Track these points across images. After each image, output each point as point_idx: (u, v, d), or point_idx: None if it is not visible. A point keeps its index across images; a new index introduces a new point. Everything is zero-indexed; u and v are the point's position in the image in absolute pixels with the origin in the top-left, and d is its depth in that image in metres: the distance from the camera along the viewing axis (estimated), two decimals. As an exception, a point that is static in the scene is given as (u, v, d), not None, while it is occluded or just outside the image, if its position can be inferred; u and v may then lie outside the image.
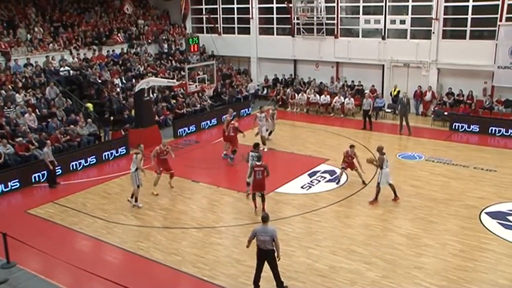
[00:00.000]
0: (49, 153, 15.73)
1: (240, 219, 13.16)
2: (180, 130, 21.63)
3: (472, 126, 20.94)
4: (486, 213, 13.09)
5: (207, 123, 22.96)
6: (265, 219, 9.54)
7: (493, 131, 20.50)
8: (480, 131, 20.68)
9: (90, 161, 17.84)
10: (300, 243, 11.75)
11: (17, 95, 19.78)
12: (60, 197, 14.97)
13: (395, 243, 11.59)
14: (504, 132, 20.26)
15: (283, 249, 11.38)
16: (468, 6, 22.13)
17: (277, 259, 9.53)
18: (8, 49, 21.89)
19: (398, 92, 23.69)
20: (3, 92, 19.61)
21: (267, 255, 9.49)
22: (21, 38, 23.11)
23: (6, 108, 18.77)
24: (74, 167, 17.33)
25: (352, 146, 15.51)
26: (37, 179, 16.15)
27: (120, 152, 18.90)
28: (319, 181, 15.72)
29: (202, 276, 10.43)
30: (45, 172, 16.12)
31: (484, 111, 21.98)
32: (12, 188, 15.50)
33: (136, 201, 14.11)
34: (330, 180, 15.73)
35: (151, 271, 10.78)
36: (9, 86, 20.08)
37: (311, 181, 15.70)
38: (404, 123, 20.98)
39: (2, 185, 15.26)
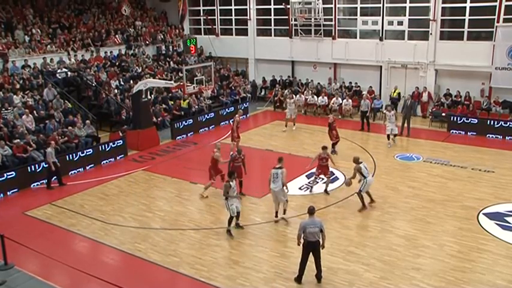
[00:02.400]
0: (52, 154, 15.72)
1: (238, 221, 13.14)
2: (178, 131, 21.59)
3: (470, 124, 20.96)
4: (484, 214, 13.12)
5: (205, 119, 22.88)
6: (312, 211, 9.83)
7: (491, 123, 20.61)
8: (478, 132, 20.71)
9: (88, 160, 17.79)
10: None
11: (15, 96, 19.74)
12: (58, 199, 14.95)
13: (393, 245, 11.61)
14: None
15: (281, 251, 11.43)
16: (466, 7, 22.19)
17: (322, 248, 9.91)
18: (6, 50, 21.86)
19: (399, 93, 23.72)
20: (0, 93, 19.59)
21: (314, 246, 9.80)
22: (19, 39, 23.09)
23: (3, 109, 18.74)
24: (71, 166, 17.26)
25: (324, 148, 14.95)
26: (35, 177, 16.09)
27: (117, 144, 18.81)
28: (317, 182, 15.70)
29: (200, 278, 10.43)
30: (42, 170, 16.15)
31: (482, 112, 22.01)
32: (10, 187, 15.44)
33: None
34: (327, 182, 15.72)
35: (149, 272, 10.77)
36: (7, 88, 20.05)
37: (309, 182, 15.70)
38: (405, 125, 21.01)
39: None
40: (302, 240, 9.87)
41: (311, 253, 9.90)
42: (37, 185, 16.07)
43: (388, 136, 19.30)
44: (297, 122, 22.56)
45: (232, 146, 18.07)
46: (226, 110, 24.24)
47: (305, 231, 9.70)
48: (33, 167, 16.08)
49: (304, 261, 9.94)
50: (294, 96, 23.41)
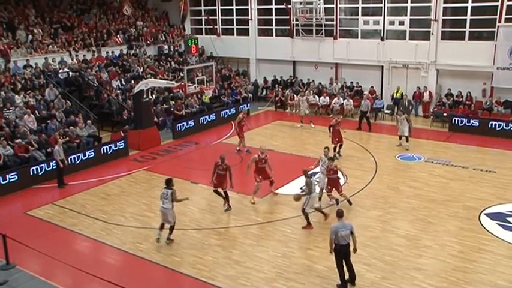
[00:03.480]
0: (60, 152, 15.76)
1: (239, 221, 13.16)
2: (179, 130, 21.61)
3: (472, 124, 20.92)
4: (485, 214, 13.10)
5: (206, 122, 22.93)
6: (341, 214, 9.75)
7: (493, 129, 20.53)
8: (480, 131, 20.67)
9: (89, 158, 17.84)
10: (299, 245, 11.76)
11: (17, 96, 19.77)
12: (59, 199, 14.98)
13: (395, 245, 11.60)
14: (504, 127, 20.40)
15: (282, 251, 11.43)
16: (467, 7, 22.16)
17: (354, 252, 9.82)
18: (8, 50, 21.88)
19: (402, 93, 23.71)
20: (2, 93, 19.59)
21: (346, 249, 9.70)
22: (21, 39, 23.11)
23: (5, 109, 18.76)
24: (74, 166, 17.26)
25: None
26: (36, 177, 16.15)
27: (119, 146, 18.87)
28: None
29: (201, 278, 10.43)
30: (43, 170, 16.28)
31: (484, 112, 22.00)
32: (12, 186, 15.46)
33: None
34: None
35: (150, 272, 10.78)
36: (9, 88, 20.07)
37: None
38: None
39: (1, 182, 15.24)
40: (333, 245, 9.69)
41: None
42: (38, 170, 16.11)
43: (400, 137, 19.02)
44: (298, 122, 22.61)
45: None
46: (228, 112, 24.28)
47: (337, 234, 9.57)
48: (35, 170, 16.16)
49: (340, 266, 9.77)
50: (305, 93, 24.10)
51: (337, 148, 17.98)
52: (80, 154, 17.57)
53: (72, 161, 17.16)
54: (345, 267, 9.81)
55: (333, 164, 13.52)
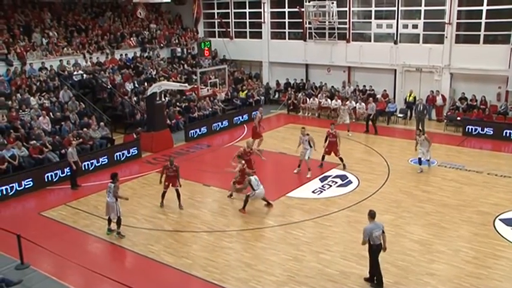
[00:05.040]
0: (73, 154, 15.92)
1: (251, 223, 13.16)
2: (192, 133, 21.69)
3: (485, 129, 20.71)
4: (500, 219, 12.93)
5: (218, 126, 22.99)
6: (373, 215, 9.92)
7: (508, 134, 20.28)
8: (494, 136, 20.45)
9: (102, 162, 18.00)
10: (310, 248, 11.71)
11: (32, 98, 20.03)
12: (72, 200, 15.11)
13: (407, 249, 11.50)
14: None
15: (294, 254, 11.39)
16: (482, 10, 21.95)
17: (384, 251, 10.02)
18: (24, 53, 22.18)
19: (415, 97, 23.54)
20: (18, 95, 19.88)
21: (380, 249, 9.89)
22: (37, 42, 23.42)
23: (21, 111, 19.01)
24: (87, 167, 17.46)
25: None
26: (50, 179, 16.34)
27: (132, 152, 19.00)
28: (331, 186, 15.66)
29: (213, 280, 10.44)
30: (57, 172, 16.45)
31: (498, 117, 21.74)
32: (26, 188, 15.66)
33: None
34: (341, 185, 15.67)
35: (161, 274, 10.82)
36: (25, 89, 20.35)
37: (322, 186, 15.65)
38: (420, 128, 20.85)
39: (16, 184, 15.43)
40: (367, 245, 9.88)
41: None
42: (53, 180, 16.28)
43: (420, 160, 16.83)
44: (310, 125, 22.53)
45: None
46: (240, 118, 24.33)
47: (371, 235, 9.73)
48: (49, 176, 16.30)
49: (377, 265, 9.95)
50: (347, 103, 23.11)
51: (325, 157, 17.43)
52: (93, 161, 17.69)
53: (86, 167, 17.34)
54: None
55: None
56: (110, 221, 12.64)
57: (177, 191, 14.22)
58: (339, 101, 24.89)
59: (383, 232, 9.88)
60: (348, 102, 24.22)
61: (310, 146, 16.44)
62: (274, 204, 14.23)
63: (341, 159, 17.12)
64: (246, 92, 27.07)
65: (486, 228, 12.46)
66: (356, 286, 10.06)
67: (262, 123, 20.12)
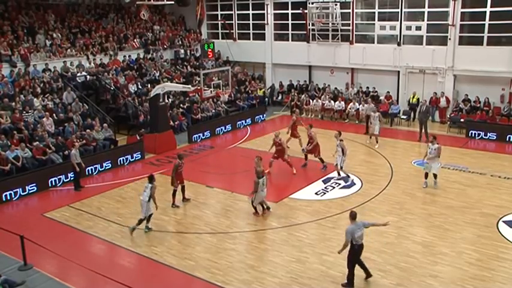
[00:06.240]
0: (76, 155, 15.94)
1: (254, 225, 13.16)
2: (195, 137, 21.69)
3: (489, 134, 20.66)
4: (504, 221, 12.88)
5: (221, 130, 22.99)
6: (355, 216, 9.90)
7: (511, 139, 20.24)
8: (497, 138, 20.40)
9: (106, 167, 18.02)
10: (313, 250, 11.70)
11: (35, 99, 20.09)
12: (75, 201, 15.13)
13: (410, 251, 11.48)
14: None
15: (297, 256, 11.38)
16: (486, 12, 21.91)
17: (387, 224, 10.62)
18: (28, 55, 22.26)
19: (418, 99, 23.50)
20: (22, 96, 19.95)
21: (362, 248, 9.92)
22: (40, 43, 23.49)
23: (24, 112, 19.06)
24: (90, 172, 17.48)
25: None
26: (54, 184, 16.37)
27: (136, 157, 19.01)
28: (334, 187, 15.65)
29: (216, 282, 10.44)
30: (61, 176, 16.47)
31: (502, 118, 21.68)
32: (30, 191, 15.71)
33: None
34: (344, 187, 15.65)
35: (164, 276, 10.82)
36: (28, 91, 20.41)
37: (325, 187, 15.64)
38: (423, 130, 20.80)
39: (20, 189, 15.48)
40: (349, 246, 9.86)
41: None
42: (57, 184, 16.33)
43: (427, 174, 15.54)
44: (314, 126, 22.48)
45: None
46: (244, 122, 24.26)
47: (353, 236, 9.73)
48: (53, 181, 16.30)
49: (354, 266, 9.96)
50: (379, 111, 21.51)
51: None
52: (97, 165, 17.68)
53: (90, 172, 17.37)
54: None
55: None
56: (148, 219, 12.82)
57: (183, 186, 14.66)
58: (342, 102, 24.92)
59: (367, 227, 10.01)
60: (352, 104, 24.28)
61: (343, 154, 16.02)
62: (277, 206, 14.22)
63: (321, 160, 17.20)
64: (263, 90, 27.77)
65: (490, 230, 12.42)
66: (359, 288, 10.05)
67: (263, 126, 20.17)
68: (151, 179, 12.82)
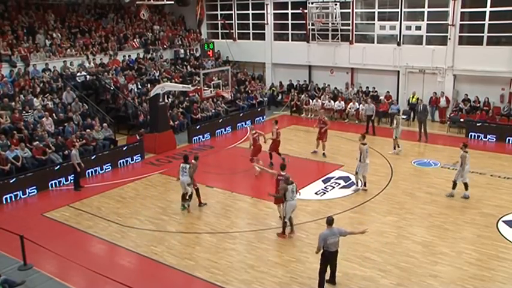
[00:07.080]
0: (77, 155, 15.94)
1: (254, 225, 13.16)
2: (195, 139, 21.66)
3: (488, 136, 20.67)
4: (504, 221, 12.89)
5: (221, 132, 22.98)
6: (331, 221, 9.77)
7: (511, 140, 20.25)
8: (497, 140, 20.40)
9: (105, 168, 18.00)
10: (313, 250, 11.63)
11: (35, 99, 20.07)
12: (75, 201, 15.13)
13: (410, 251, 11.48)
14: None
15: (297, 256, 11.38)
16: (485, 12, 21.91)
17: (364, 232, 10.45)
18: (28, 54, 22.25)
19: (418, 99, 23.51)
20: (22, 96, 19.93)
21: (334, 256, 9.82)
22: (40, 43, 23.48)
23: (24, 112, 19.05)
24: (90, 175, 17.47)
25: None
26: (54, 186, 16.36)
27: (136, 159, 18.99)
28: (333, 187, 15.66)
29: (216, 282, 10.44)
30: (61, 180, 16.51)
31: (502, 118, 21.69)
32: (30, 194, 15.69)
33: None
34: (344, 187, 15.65)
35: (164, 275, 10.82)
36: (28, 91, 20.40)
37: (325, 187, 15.65)
38: (422, 130, 20.80)
39: (20, 192, 15.47)
40: (322, 250, 9.73)
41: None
42: (56, 185, 16.33)
43: (454, 183, 14.58)
44: (314, 127, 22.55)
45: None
46: (244, 124, 24.18)
47: (326, 242, 9.62)
48: (53, 184, 16.31)
49: (324, 272, 9.83)
50: (400, 114, 20.87)
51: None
52: (97, 168, 17.66)
53: (91, 174, 17.37)
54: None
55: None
56: (183, 197, 13.95)
57: (197, 189, 14.55)
58: (342, 102, 24.92)
59: (343, 235, 9.81)
60: (352, 104, 24.28)
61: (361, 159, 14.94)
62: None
63: (271, 155, 17.60)
64: (273, 89, 28.39)
65: (489, 230, 12.43)
66: (359, 288, 10.06)
67: (264, 126, 20.12)
68: (186, 159, 13.71)
